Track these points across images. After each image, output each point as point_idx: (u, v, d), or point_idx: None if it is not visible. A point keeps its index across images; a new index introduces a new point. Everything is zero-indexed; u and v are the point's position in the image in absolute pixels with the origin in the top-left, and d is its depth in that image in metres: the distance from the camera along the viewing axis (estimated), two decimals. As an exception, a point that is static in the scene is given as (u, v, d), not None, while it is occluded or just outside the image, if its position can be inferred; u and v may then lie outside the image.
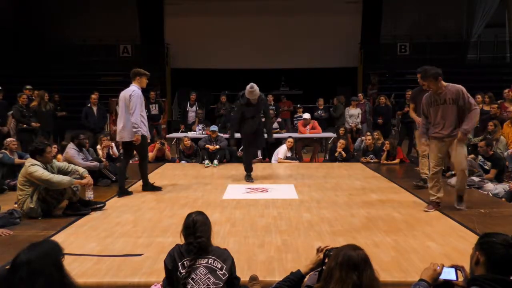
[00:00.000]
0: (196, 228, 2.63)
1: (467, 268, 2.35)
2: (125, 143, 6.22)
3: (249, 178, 7.15)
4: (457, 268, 2.39)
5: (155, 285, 3.01)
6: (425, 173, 6.35)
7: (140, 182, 6.58)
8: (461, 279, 2.37)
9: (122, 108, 6.10)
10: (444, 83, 5.04)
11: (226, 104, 11.36)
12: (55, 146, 6.73)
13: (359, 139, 10.07)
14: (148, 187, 6.39)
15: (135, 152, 6.84)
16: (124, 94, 6.09)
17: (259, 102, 6.92)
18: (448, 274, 2.36)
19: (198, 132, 10.24)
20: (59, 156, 6.96)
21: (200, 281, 2.52)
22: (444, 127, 5.07)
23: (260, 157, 9.46)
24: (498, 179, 6.82)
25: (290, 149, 9.21)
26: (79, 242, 4.10)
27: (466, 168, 5.14)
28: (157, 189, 6.40)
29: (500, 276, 2.07)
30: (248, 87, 6.73)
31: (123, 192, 6.13)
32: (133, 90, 5.99)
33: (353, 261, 2.03)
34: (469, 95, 5.01)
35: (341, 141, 9.33)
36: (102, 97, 11.44)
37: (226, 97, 11.56)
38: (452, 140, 5.06)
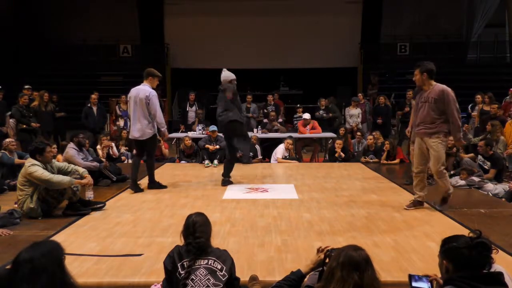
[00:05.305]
0: (196, 229, 2.64)
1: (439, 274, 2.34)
2: (137, 141, 6.36)
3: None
4: (432, 278, 2.31)
5: (155, 285, 3.01)
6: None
7: (145, 180, 6.63)
8: None
9: (133, 107, 6.20)
10: (433, 83, 5.00)
11: None
12: (54, 146, 6.73)
13: (361, 141, 9.99)
14: (155, 185, 6.47)
15: (134, 151, 6.88)
16: (136, 93, 6.19)
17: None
18: (421, 282, 2.28)
19: (198, 132, 10.24)
20: (59, 156, 6.95)
21: (200, 282, 2.52)
22: (421, 125, 5.08)
23: (260, 157, 9.46)
24: (497, 179, 6.83)
25: (287, 148, 9.18)
26: (79, 242, 4.10)
27: (437, 171, 5.04)
28: (163, 187, 6.48)
29: (473, 271, 2.11)
30: (225, 71, 6.57)
31: (136, 188, 6.30)
32: (150, 92, 6.14)
33: (355, 261, 2.04)
34: (454, 100, 4.86)
35: (338, 141, 9.30)
36: (102, 97, 11.44)
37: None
38: (427, 139, 5.04)
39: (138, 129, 6.20)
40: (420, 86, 5.12)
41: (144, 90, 6.15)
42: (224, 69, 6.70)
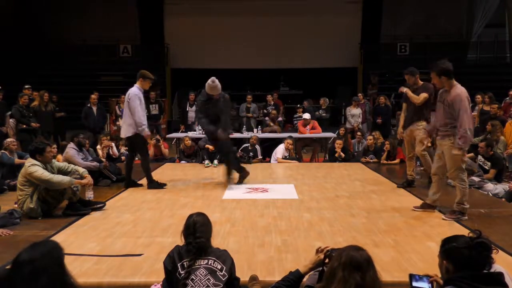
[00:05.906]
0: (196, 229, 2.64)
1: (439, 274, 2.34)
2: (127, 139, 6.70)
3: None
4: (432, 279, 2.30)
5: (155, 285, 3.01)
6: (411, 174, 6.44)
7: (144, 181, 6.64)
8: None
9: (125, 107, 6.52)
10: (454, 83, 4.77)
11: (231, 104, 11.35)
12: (54, 146, 6.74)
13: (361, 141, 9.99)
14: (154, 184, 6.50)
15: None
16: (127, 94, 6.47)
17: (219, 99, 6.57)
18: (421, 282, 2.27)
19: (198, 132, 10.23)
20: (59, 156, 6.96)
21: (200, 282, 2.51)
22: (439, 127, 4.95)
23: (260, 157, 9.46)
24: (497, 179, 6.83)
25: (287, 149, 9.17)
26: (79, 242, 4.10)
27: (452, 176, 4.86)
28: (162, 185, 6.53)
29: (473, 271, 2.11)
30: (209, 81, 6.47)
31: (131, 183, 6.58)
32: (132, 91, 6.35)
33: (356, 261, 2.03)
34: (466, 104, 4.65)
35: (338, 141, 9.30)
36: (102, 97, 11.44)
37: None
38: (441, 142, 4.90)
39: (123, 128, 6.51)
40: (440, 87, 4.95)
41: (130, 90, 6.38)
42: (212, 80, 6.45)
